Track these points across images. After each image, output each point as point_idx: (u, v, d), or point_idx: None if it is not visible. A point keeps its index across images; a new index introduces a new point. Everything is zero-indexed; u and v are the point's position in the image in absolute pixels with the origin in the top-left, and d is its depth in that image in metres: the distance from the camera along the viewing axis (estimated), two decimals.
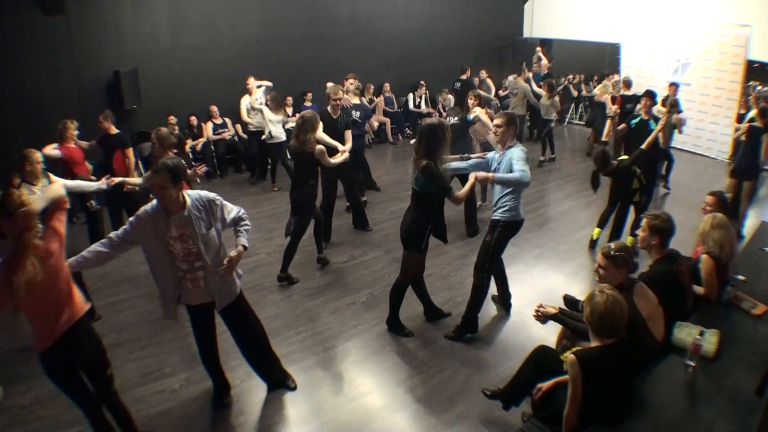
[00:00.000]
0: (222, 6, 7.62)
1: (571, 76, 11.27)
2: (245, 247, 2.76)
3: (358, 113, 5.85)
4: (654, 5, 8.98)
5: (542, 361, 2.74)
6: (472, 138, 5.72)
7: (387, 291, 4.40)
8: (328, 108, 5.13)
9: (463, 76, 9.52)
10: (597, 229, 5.23)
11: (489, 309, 4.19)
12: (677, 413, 2.26)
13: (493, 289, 4.20)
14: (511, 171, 3.45)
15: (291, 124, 6.62)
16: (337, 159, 4.55)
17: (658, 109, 5.98)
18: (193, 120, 7.53)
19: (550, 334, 3.29)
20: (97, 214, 4.78)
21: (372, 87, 9.12)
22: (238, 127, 7.69)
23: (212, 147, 7.62)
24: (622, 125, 5.98)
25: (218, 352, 3.13)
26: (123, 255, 2.73)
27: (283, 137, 6.67)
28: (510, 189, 3.54)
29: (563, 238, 5.49)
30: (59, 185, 2.98)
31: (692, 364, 2.47)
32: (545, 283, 4.61)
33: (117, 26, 6.78)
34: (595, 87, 9.73)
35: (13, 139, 6.06)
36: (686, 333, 2.63)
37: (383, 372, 3.47)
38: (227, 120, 7.72)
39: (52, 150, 4.51)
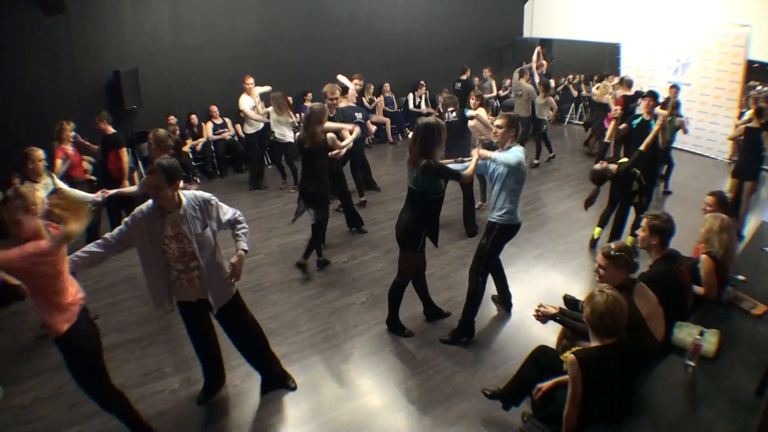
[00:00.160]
0: (222, 6, 7.62)
1: (571, 76, 11.27)
2: (245, 251, 2.76)
3: (360, 114, 5.87)
4: (654, 5, 8.98)
5: (542, 361, 2.74)
6: (472, 137, 5.73)
7: (387, 291, 4.40)
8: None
9: (464, 77, 9.52)
10: (597, 229, 5.23)
11: (489, 309, 4.19)
12: (677, 413, 2.26)
13: (493, 289, 4.21)
14: (508, 172, 3.45)
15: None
16: (347, 141, 4.71)
17: (658, 111, 5.97)
18: (194, 119, 7.53)
19: (550, 334, 3.29)
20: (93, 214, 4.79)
21: (372, 87, 9.12)
22: (238, 127, 7.68)
23: (212, 147, 7.62)
24: (623, 125, 5.98)
25: (219, 348, 3.14)
26: (123, 255, 2.73)
27: (287, 138, 6.64)
28: (508, 191, 3.50)
29: (563, 238, 5.49)
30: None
31: (692, 364, 2.47)
32: (545, 283, 4.61)
33: (117, 26, 6.78)
34: (594, 87, 9.71)
35: (13, 139, 6.07)
36: (686, 333, 2.63)
37: (383, 372, 3.47)
38: (227, 120, 7.72)
39: (62, 166, 4.52)
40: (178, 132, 7.31)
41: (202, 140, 7.55)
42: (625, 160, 4.97)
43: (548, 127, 8.17)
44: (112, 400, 2.68)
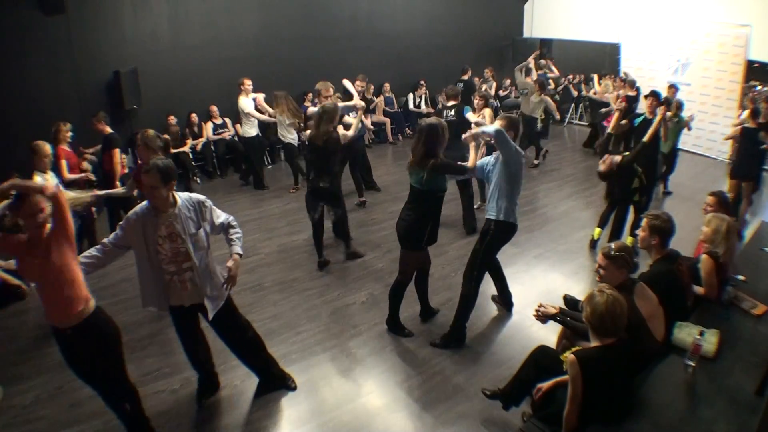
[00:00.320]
0: (222, 6, 7.62)
1: (571, 76, 11.27)
2: (240, 255, 2.76)
3: (353, 114, 5.76)
4: (654, 5, 8.98)
5: (542, 361, 2.74)
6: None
7: (387, 291, 4.39)
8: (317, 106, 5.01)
9: (464, 77, 9.51)
10: (597, 229, 5.23)
11: (489, 309, 4.20)
12: (677, 413, 2.26)
13: (492, 289, 4.21)
14: (504, 173, 3.42)
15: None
16: (354, 127, 4.75)
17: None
18: (194, 118, 7.53)
19: (550, 334, 3.29)
20: (89, 216, 4.79)
21: (372, 87, 9.12)
22: (238, 127, 7.68)
23: (212, 147, 7.63)
24: (625, 120, 5.98)
25: (210, 351, 3.15)
26: (123, 255, 2.73)
27: (287, 139, 6.62)
28: (501, 189, 3.46)
29: (563, 238, 5.49)
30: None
31: (692, 364, 2.47)
32: (545, 283, 4.61)
33: (117, 26, 6.78)
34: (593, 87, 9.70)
35: (13, 139, 6.07)
36: (686, 333, 2.63)
37: (383, 372, 3.47)
38: (227, 120, 7.72)
39: (70, 175, 4.53)
40: (179, 131, 7.33)
41: (202, 140, 7.55)
42: (626, 154, 4.96)
43: (543, 128, 8.10)
44: (128, 393, 2.72)
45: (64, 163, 4.65)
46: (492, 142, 3.42)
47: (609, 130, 7.06)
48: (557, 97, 10.07)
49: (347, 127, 4.98)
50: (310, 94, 8.24)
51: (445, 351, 3.65)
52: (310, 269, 4.86)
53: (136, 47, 6.95)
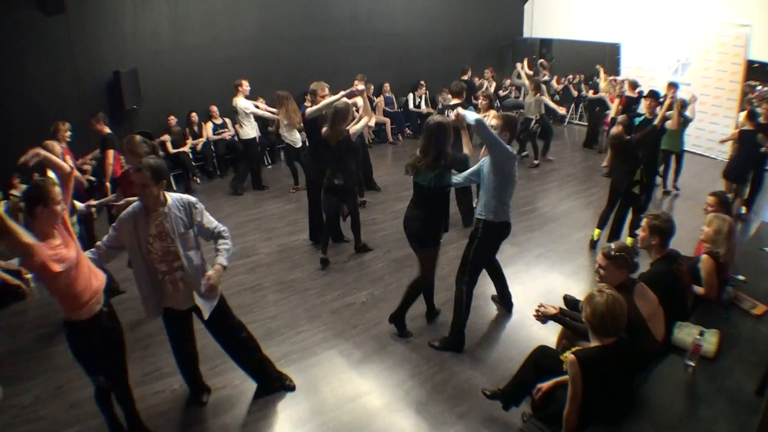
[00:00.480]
0: (222, 6, 7.62)
1: (571, 76, 11.27)
2: (224, 266, 2.73)
3: None
4: (654, 5, 8.97)
5: (542, 361, 2.74)
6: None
7: (387, 291, 4.42)
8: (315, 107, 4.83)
9: (464, 77, 9.50)
10: (597, 230, 5.23)
11: (489, 309, 4.20)
12: (677, 413, 2.26)
13: (492, 289, 4.21)
14: (493, 171, 3.37)
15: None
16: (361, 123, 4.72)
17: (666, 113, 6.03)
18: (194, 117, 7.53)
19: (550, 334, 3.29)
20: (89, 215, 4.80)
21: (372, 87, 9.12)
22: (238, 128, 7.66)
23: (212, 147, 7.63)
24: (623, 115, 5.97)
25: (197, 359, 3.16)
26: (123, 255, 2.74)
27: (286, 140, 6.61)
28: (490, 189, 3.40)
29: (563, 238, 5.49)
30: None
31: (692, 364, 2.47)
32: (545, 283, 4.61)
33: (117, 26, 6.78)
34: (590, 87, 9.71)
35: (13, 139, 6.07)
36: (686, 333, 2.63)
37: (383, 372, 3.47)
38: (227, 120, 7.72)
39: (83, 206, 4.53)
40: (180, 131, 7.33)
41: (202, 140, 7.56)
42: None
43: (539, 127, 8.11)
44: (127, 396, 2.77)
45: (68, 159, 4.65)
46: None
47: (612, 113, 7.09)
48: (557, 97, 10.09)
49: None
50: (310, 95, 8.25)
51: (445, 352, 3.65)
52: (310, 269, 4.86)
53: (136, 47, 6.95)
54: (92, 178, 5.77)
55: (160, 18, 7.13)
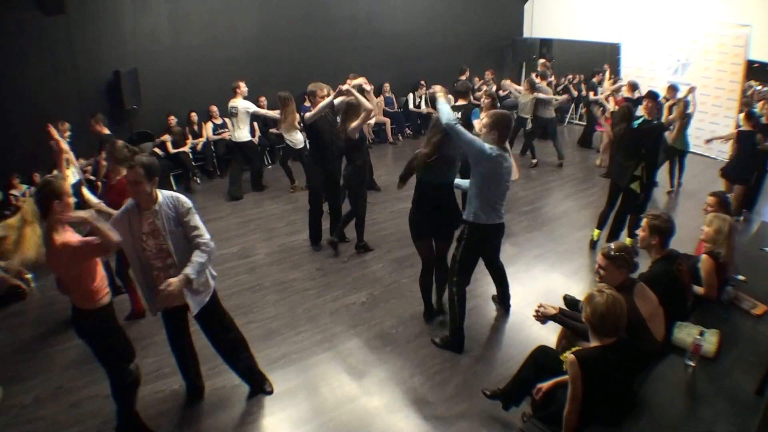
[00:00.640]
0: (222, 6, 7.62)
1: (570, 76, 11.27)
2: (188, 277, 2.59)
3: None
4: (654, 5, 8.97)
5: (542, 361, 2.74)
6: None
7: (387, 291, 4.43)
8: (312, 108, 4.84)
9: (462, 77, 9.51)
10: (597, 231, 5.23)
11: (489, 309, 4.20)
12: (677, 413, 2.26)
13: (493, 289, 4.21)
14: (475, 172, 3.34)
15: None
16: (356, 126, 4.69)
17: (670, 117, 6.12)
18: (194, 117, 7.53)
19: (550, 334, 3.29)
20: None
21: (372, 87, 9.10)
22: (235, 129, 7.62)
23: (212, 147, 7.63)
24: (626, 104, 5.97)
25: (196, 358, 3.16)
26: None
27: (287, 141, 6.61)
28: (473, 191, 3.38)
29: (563, 239, 5.49)
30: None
31: (692, 364, 2.47)
32: (545, 283, 4.61)
33: (117, 26, 6.78)
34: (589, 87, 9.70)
35: (13, 139, 6.09)
36: (686, 333, 2.63)
37: (383, 372, 3.47)
38: (227, 120, 7.70)
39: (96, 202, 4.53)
40: (181, 131, 7.32)
41: (202, 140, 7.55)
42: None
43: (534, 125, 8.19)
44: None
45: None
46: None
47: (610, 109, 7.13)
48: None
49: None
50: None
51: (445, 351, 3.65)
52: (310, 269, 4.86)
53: (136, 47, 6.95)
54: (92, 177, 5.78)
55: (160, 18, 7.13)
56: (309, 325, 4.00)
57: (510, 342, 3.77)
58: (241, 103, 6.56)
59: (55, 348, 3.77)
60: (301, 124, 5.71)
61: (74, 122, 5.17)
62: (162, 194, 2.69)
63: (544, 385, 2.50)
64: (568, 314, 2.82)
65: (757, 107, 6.33)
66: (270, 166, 8.09)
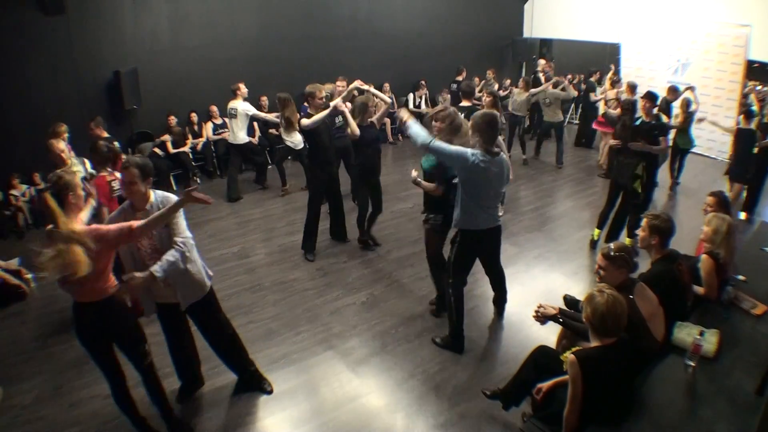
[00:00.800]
0: (222, 6, 7.61)
1: (570, 76, 11.26)
2: (153, 274, 2.50)
3: (339, 118, 5.55)
4: (654, 5, 8.97)
5: (542, 361, 2.74)
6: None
7: (387, 291, 4.44)
8: (309, 110, 4.78)
9: (459, 77, 9.52)
10: (597, 230, 5.23)
11: (489, 310, 4.19)
12: (677, 413, 2.26)
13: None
14: (459, 180, 3.31)
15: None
16: (353, 129, 4.74)
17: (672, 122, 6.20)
18: (194, 117, 7.54)
19: (550, 334, 3.29)
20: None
21: (372, 87, 9.10)
22: (236, 130, 7.62)
23: (212, 147, 7.63)
24: (626, 99, 5.99)
25: (194, 353, 3.18)
26: None
27: (288, 142, 6.61)
28: (460, 198, 3.35)
29: (563, 238, 5.49)
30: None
31: (692, 364, 2.47)
32: (545, 283, 4.61)
33: (117, 26, 6.78)
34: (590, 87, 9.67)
35: (13, 139, 6.09)
36: (686, 333, 2.63)
37: (383, 372, 3.47)
38: (227, 120, 7.70)
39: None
40: (181, 131, 7.32)
41: (202, 140, 7.56)
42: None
43: (531, 123, 8.24)
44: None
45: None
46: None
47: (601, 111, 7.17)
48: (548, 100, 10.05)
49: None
50: None
51: (445, 351, 3.65)
52: (310, 269, 4.86)
53: (136, 47, 6.95)
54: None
55: (160, 18, 7.13)
56: (309, 325, 4.00)
57: (510, 342, 3.77)
58: (240, 105, 6.56)
59: (55, 348, 3.77)
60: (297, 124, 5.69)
61: (74, 122, 5.15)
62: (155, 194, 2.72)
63: (545, 385, 2.51)
64: (568, 314, 2.82)
65: (755, 106, 6.35)
66: (270, 166, 8.08)
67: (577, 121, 11.16)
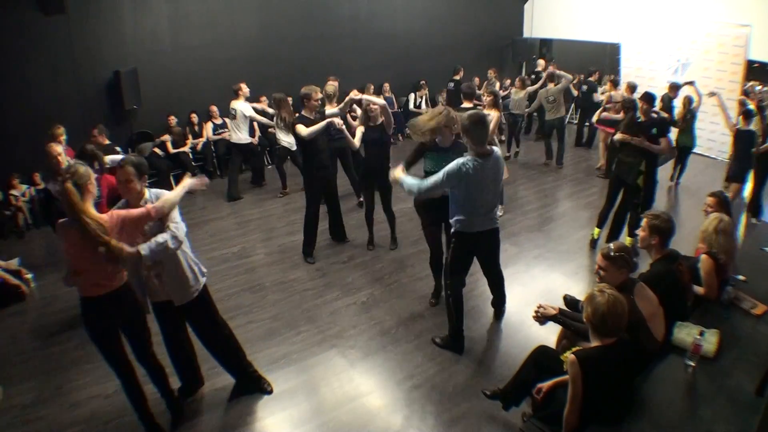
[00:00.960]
0: (222, 6, 7.62)
1: (570, 76, 11.25)
2: (137, 253, 2.47)
3: (338, 120, 5.36)
4: (654, 5, 8.97)
5: (542, 361, 2.74)
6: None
7: (387, 291, 4.44)
8: (304, 112, 4.72)
9: (456, 77, 9.52)
10: (597, 229, 5.23)
11: (489, 309, 4.18)
12: (677, 413, 2.26)
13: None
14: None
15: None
16: (357, 138, 4.84)
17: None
18: (194, 117, 7.54)
19: (550, 334, 3.29)
20: None
21: (372, 87, 9.11)
22: (236, 130, 7.62)
23: (212, 147, 7.63)
24: (628, 98, 5.99)
25: (191, 352, 3.17)
26: None
27: (282, 142, 6.60)
28: (452, 200, 3.34)
29: (563, 238, 5.49)
30: None
31: (692, 364, 2.47)
32: (545, 283, 4.61)
33: (117, 26, 6.78)
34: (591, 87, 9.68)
35: (13, 139, 6.09)
36: (686, 333, 2.63)
37: (383, 372, 3.47)
38: (227, 120, 7.70)
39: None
40: (181, 131, 7.32)
41: (202, 140, 7.56)
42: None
43: (521, 123, 8.42)
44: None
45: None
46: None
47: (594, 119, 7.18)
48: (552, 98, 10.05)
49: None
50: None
51: (445, 351, 3.65)
52: (310, 269, 4.86)
53: (136, 47, 6.96)
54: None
55: (160, 18, 7.13)
56: (309, 325, 4.00)
57: (510, 342, 3.77)
58: (240, 106, 6.57)
59: (55, 348, 3.77)
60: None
61: (74, 122, 5.17)
62: (149, 192, 2.73)
63: (545, 385, 2.50)
64: (568, 314, 2.82)
65: (751, 105, 6.35)
66: (270, 166, 8.09)
67: (577, 122, 11.16)
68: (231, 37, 7.77)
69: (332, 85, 5.42)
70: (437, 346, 3.69)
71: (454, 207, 3.34)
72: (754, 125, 5.63)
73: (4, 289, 4.41)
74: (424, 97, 9.81)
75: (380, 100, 4.90)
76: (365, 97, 5.28)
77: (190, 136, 7.48)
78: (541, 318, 2.79)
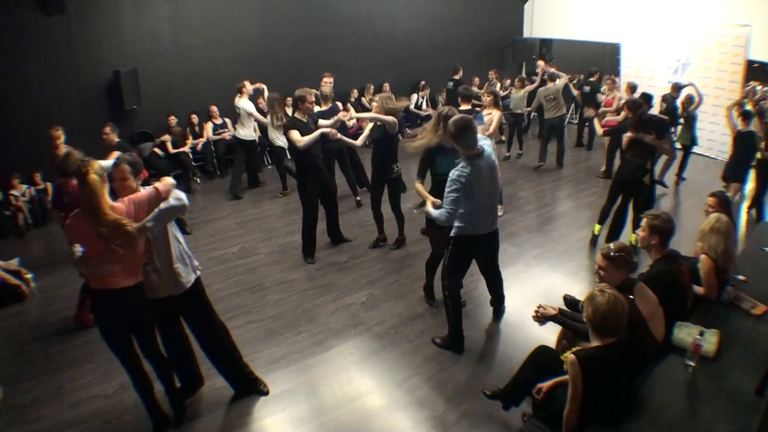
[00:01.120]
0: (222, 6, 7.62)
1: (570, 76, 11.26)
2: (144, 225, 2.54)
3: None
4: (654, 5, 8.97)
5: (542, 361, 2.73)
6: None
7: (387, 291, 4.44)
8: (297, 114, 4.68)
9: (456, 77, 9.53)
10: (597, 225, 5.22)
11: (489, 309, 4.17)
12: (677, 413, 2.26)
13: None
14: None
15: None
16: (362, 138, 5.08)
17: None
18: (194, 118, 7.54)
19: (550, 334, 3.29)
20: None
21: (372, 87, 9.12)
22: (239, 127, 7.65)
23: (212, 147, 7.64)
24: (622, 114, 6.00)
25: (189, 350, 3.16)
26: None
27: (278, 142, 6.58)
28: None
29: (563, 238, 5.48)
30: None
31: (692, 364, 2.47)
32: (545, 283, 4.61)
33: (117, 26, 6.79)
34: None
35: (13, 139, 6.09)
36: (686, 333, 2.63)
37: (383, 372, 3.47)
38: (227, 120, 7.72)
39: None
40: (181, 131, 7.32)
41: (202, 140, 7.56)
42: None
43: (524, 122, 8.49)
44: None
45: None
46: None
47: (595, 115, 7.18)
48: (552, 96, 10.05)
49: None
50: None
51: (445, 351, 3.65)
52: (310, 269, 4.86)
53: (136, 47, 6.96)
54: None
55: (160, 18, 7.13)
56: (309, 325, 4.00)
57: (510, 342, 3.77)
58: (243, 103, 6.61)
59: (55, 348, 3.77)
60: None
61: (74, 122, 5.17)
62: (144, 190, 2.73)
63: (545, 385, 2.50)
64: (568, 314, 2.82)
65: (749, 106, 6.36)
66: (270, 166, 8.09)
67: (577, 122, 11.16)
68: (231, 37, 7.77)
69: (328, 86, 5.42)
70: (437, 346, 3.69)
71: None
72: (753, 126, 5.63)
73: (4, 289, 4.41)
74: (425, 98, 9.81)
75: (369, 114, 4.91)
76: (354, 115, 5.39)
77: (190, 136, 7.48)
78: (541, 318, 2.79)
